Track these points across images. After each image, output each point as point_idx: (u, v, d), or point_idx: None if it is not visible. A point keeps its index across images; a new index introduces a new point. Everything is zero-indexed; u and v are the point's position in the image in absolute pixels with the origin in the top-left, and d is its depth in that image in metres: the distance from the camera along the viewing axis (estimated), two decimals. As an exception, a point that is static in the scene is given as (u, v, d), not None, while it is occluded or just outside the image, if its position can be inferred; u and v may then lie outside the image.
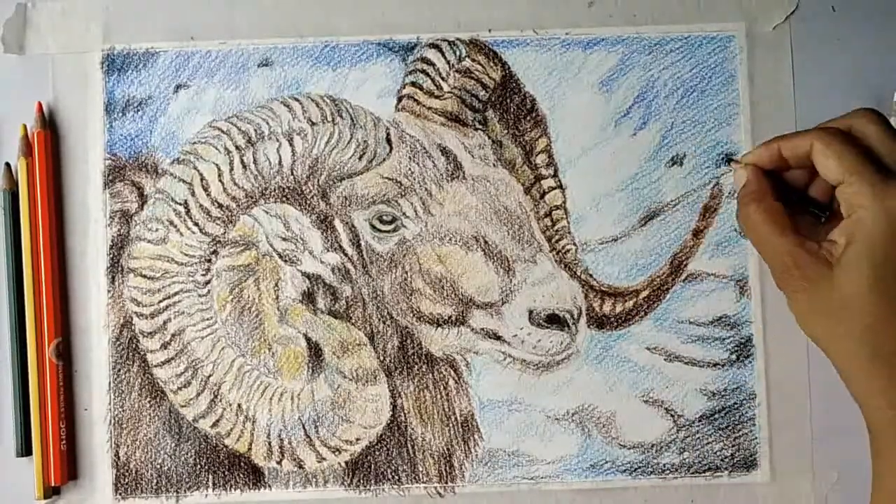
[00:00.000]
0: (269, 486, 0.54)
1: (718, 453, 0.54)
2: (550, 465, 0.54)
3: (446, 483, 0.54)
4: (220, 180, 0.54)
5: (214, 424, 0.54)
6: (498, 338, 0.54)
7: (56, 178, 0.55)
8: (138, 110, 0.55)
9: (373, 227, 0.54)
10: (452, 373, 0.54)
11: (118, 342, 0.54)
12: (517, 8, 0.55)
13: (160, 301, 0.54)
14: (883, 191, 0.43)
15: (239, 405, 0.54)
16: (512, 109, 0.55)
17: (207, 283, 0.54)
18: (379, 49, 0.55)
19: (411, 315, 0.54)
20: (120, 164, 0.55)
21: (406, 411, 0.54)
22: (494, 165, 0.55)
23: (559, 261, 0.54)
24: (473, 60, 0.55)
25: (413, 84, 0.55)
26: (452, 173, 0.54)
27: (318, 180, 0.54)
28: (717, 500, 0.54)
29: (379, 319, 0.54)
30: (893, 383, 0.43)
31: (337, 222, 0.54)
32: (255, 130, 0.54)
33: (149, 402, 0.54)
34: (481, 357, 0.54)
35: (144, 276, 0.54)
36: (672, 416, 0.54)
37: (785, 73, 0.55)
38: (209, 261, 0.54)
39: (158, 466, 0.54)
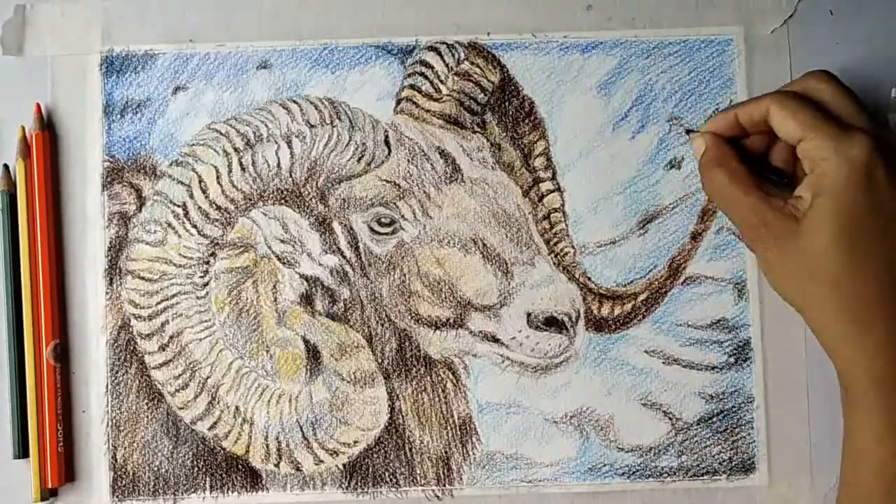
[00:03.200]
0: (267, 488, 0.54)
1: (717, 456, 0.54)
2: (549, 468, 0.54)
3: (444, 486, 0.54)
4: (219, 182, 0.54)
5: (212, 426, 0.54)
6: (496, 340, 0.54)
7: (54, 180, 0.55)
8: (137, 112, 0.55)
9: (371, 229, 0.54)
10: (451, 375, 0.54)
11: (116, 344, 0.54)
12: (516, 11, 0.56)
13: (158, 303, 0.54)
14: (843, 142, 0.43)
15: (237, 407, 0.54)
16: (510, 112, 0.55)
17: (206, 285, 0.54)
18: (378, 52, 0.55)
19: (409, 317, 0.54)
20: (118, 166, 0.55)
21: (404, 414, 0.54)
22: (493, 168, 0.55)
23: (557, 263, 0.54)
24: (472, 63, 0.55)
25: (412, 87, 0.55)
26: (451, 176, 0.54)
27: (317, 182, 0.54)
28: (715, 503, 0.54)
29: (377, 322, 0.54)
30: (864, 333, 0.43)
31: (335, 225, 0.54)
32: (254, 133, 0.54)
33: (146, 403, 0.54)
34: (479, 360, 0.54)
35: (142, 278, 0.54)
36: (670, 419, 0.54)
37: (783, 76, 0.55)
38: (207, 263, 0.54)
39: (156, 468, 0.54)
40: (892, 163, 0.43)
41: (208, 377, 0.54)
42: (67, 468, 0.54)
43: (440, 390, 0.54)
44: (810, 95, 0.46)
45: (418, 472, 0.54)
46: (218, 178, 0.54)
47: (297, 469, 0.54)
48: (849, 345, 0.44)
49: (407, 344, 0.54)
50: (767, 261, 0.46)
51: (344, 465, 0.54)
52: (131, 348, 0.54)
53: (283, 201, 0.54)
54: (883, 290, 0.43)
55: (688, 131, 0.51)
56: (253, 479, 0.54)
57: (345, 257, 0.54)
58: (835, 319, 0.44)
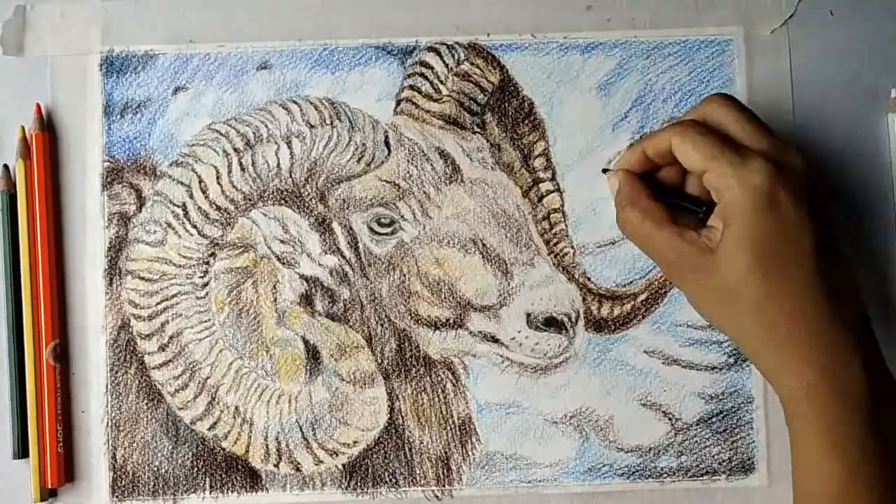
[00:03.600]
0: (267, 488, 0.54)
1: (716, 457, 0.54)
2: (548, 469, 0.54)
3: (444, 486, 0.54)
4: (219, 183, 0.54)
5: (212, 427, 0.54)
6: (496, 341, 0.54)
7: (54, 180, 0.55)
8: (137, 112, 0.55)
9: (371, 229, 0.54)
10: (450, 376, 0.54)
11: (116, 344, 0.54)
12: (516, 12, 0.56)
13: (158, 303, 0.54)
14: (743, 170, 0.43)
15: (236, 407, 0.54)
16: (510, 113, 0.55)
17: (205, 285, 0.54)
18: (378, 52, 0.55)
19: (409, 318, 0.54)
20: (118, 167, 0.55)
21: (404, 414, 0.54)
22: (492, 169, 0.55)
23: (557, 264, 0.55)
24: (472, 64, 0.55)
25: (412, 87, 0.55)
26: (451, 176, 0.54)
27: (317, 183, 0.54)
28: (714, 503, 0.54)
29: (377, 322, 0.54)
30: (791, 352, 0.44)
31: (335, 225, 0.54)
32: (254, 133, 0.54)
33: (146, 404, 0.54)
34: (479, 360, 0.54)
35: (142, 279, 0.54)
36: (670, 419, 0.54)
37: (782, 77, 0.55)
38: (207, 263, 0.54)
39: (156, 469, 0.54)
40: (793, 182, 0.43)
41: (208, 377, 0.54)
42: (67, 468, 0.54)
43: (440, 391, 0.54)
44: (711, 122, 0.46)
45: (418, 472, 0.54)
46: (218, 178, 0.54)
47: (297, 469, 0.54)
48: (779, 365, 0.44)
49: (406, 344, 0.54)
50: (690, 293, 0.47)
51: (343, 466, 0.54)
52: (131, 348, 0.54)
53: (282, 202, 0.54)
54: (803, 307, 0.43)
55: (604, 170, 0.51)
56: (252, 480, 0.54)
57: (344, 258, 0.54)
58: (764, 345, 0.44)
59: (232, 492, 0.54)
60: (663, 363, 0.54)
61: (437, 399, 0.54)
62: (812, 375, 0.43)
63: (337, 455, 0.54)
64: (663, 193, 0.48)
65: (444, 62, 0.55)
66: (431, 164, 0.54)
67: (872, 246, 0.55)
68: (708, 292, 0.45)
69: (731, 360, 0.54)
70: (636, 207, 0.47)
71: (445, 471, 0.54)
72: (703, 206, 0.47)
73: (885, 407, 0.44)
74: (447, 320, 0.54)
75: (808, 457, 0.45)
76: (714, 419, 0.54)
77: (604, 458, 0.54)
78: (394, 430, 0.54)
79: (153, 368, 0.54)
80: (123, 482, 0.54)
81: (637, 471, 0.54)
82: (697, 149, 0.44)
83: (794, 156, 0.45)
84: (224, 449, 0.54)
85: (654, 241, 0.46)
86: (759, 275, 0.43)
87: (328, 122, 0.54)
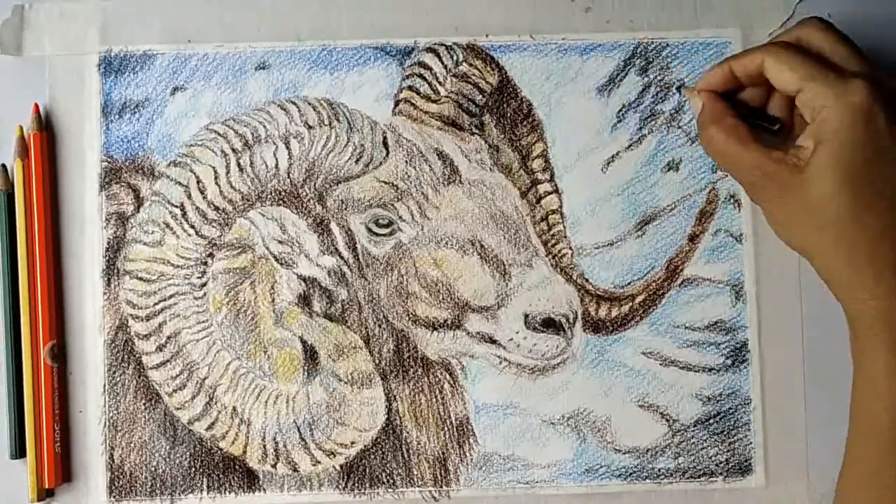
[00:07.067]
0: (264, 489, 0.54)
1: (713, 458, 0.54)
2: (545, 470, 0.54)
3: (441, 487, 0.54)
4: (217, 183, 0.54)
5: (209, 427, 0.54)
6: (493, 342, 0.54)
7: (52, 180, 0.55)
8: (135, 112, 0.55)
9: (369, 230, 0.54)
10: (448, 376, 0.54)
11: (113, 344, 0.54)
12: (514, 13, 0.56)
13: (156, 303, 0.54)
14: (842, 88, 0.44)
15: (234, 408, 0.54)
16: (508, 114, 0.55)
17: (203, 285, 0.54)
18: (376, 53, 0.55)
19: (407, 318, 0.54)
20: (116, 167, 0.55)
21: (401, 415, 0.54)
22: (491, 170, 0.55)
23: (555, 265, 0.55)
24: (470, 65, 0.55)
25: (410, 88, 0.55)
26: (449, 177, 0.54)
27: (315, 184, 0.54)
28: (711, 505, 0.54)
29: (374, 323, 0.54)
30: (873, 275, 0.44)
31: (333, 226, 0.54)
32: (252, 133, 0.54)
33: (144, 404, 0.54)
34: (477, 361, 0.54)
35: (140, 279, 0.54)
36: (667, 420, 0.54)
37: (781, 79, 0.55)
38: (205, 263, 0.54)
39: (153, 469, 0.54)
40: (891, 106, 0.44)
41: (206, 378, 0.54)
42: (64, 468, 0.54)
43: (437, 391, 0.54)
44: (805, 44, 0.46)
45: (415, 473, 0.54)
46: (216, 178, 0.54)
47: (294, 470, 0.54)
48: (858, 287, 0.45)
49: (404, 345, 0.54)
50: (772, 212, 0.47)
51: (341, 466, 0.54)
52: (129, 349, 0.54)
53: (281, 202, 0.54)
54: (888, 231, 0.44)
55: (679, 87, 0.51)
56: (250, 480, 0.54)
57: (342, 258, 0.54)
58: (843, 263, 0.45)
59: (229, 492, 0.54)
60: (661, 364, 0.55)
61: (434, 400, 0.54)
62: (891, 299, 0.44)
63: (334, 455, 0.54)
64: (743, 114, 0.48)
65: (442, 63, 0.55)
66: (430, 165, 0.54)
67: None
68: (791, 210, 0.46)
69: (729, 362, 0.54)
70: (721, 126, 0.47)
71: (443, 471, 0.54)
72: (779, 125, 0.47)
73: None
74: (445, 321, 0.54)
75: (875, 374, 0.45)
76: (711, 420, 0.54)
77: (601, 459, 0.54)
78: (391, 431, 0.54)
79: (151, 368, 0.54)
80: (121, 482, 0.54)
81: (634, 472, 0.54)
82: (793, 68, 0.45)
83: (891, 79, 0.45)
84: (221, 449, 0.54)
85: (740, 160, 0.46)
86: (848, 193, 0.44)
87: (326, 122, 0.54)
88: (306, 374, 0.54)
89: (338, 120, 0.54)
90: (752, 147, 0.46)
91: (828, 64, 0.45)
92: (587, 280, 0.55)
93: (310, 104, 0.55)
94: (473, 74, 0.55)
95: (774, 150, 0.46)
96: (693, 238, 0.55)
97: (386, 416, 0.54)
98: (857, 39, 0.46)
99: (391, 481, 0.54)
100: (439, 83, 0.55)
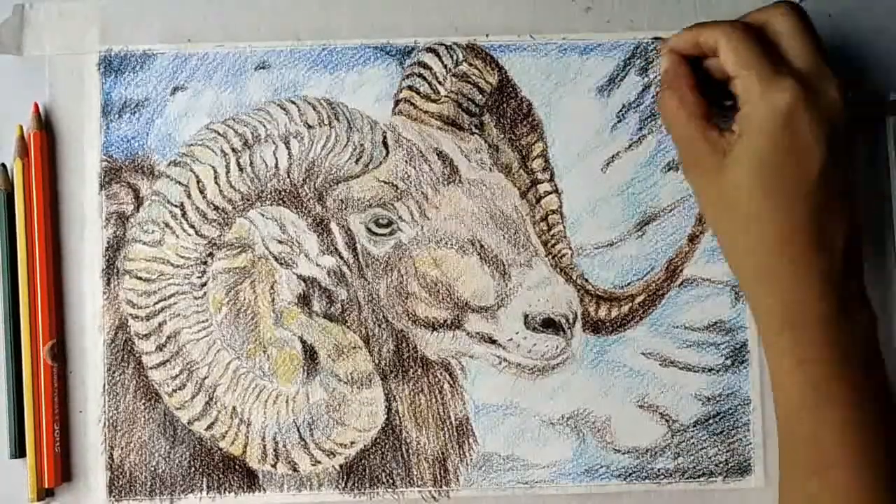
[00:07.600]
0: (264, 489, 0.54)
1: (713, 458, 0.54)
2: (545, 470, 0.54)
3: (441, 487, 0.54)
4: (217, 183, 0.54)
5: (209, 427, 0.54)
6: (493, 342, 0.54)
7: (52, 180, 0.55)
8: (135, 112, 0.55)
9: (369, 230, 0.54)
10: (447, 376, 0.54)
11: (113, 344, 0.54)
12: (514, 13, 0.56)
13: (156, 303, 0.54)
14: (770, 85, 0.44)
15: (234, 408, 0.54)
16: (508, 114, 0.55)
17: (203, 285, 0.54)
18: (376, 53, 0.55)
19: (407, 318, 0.54)
20: (116, 166, 0.55)
21: (401, 415, 0.54)
22: (490, 170, 0.55)
23: (555, 265, 0.54)
24: (470, 65, 0.55)
25: (410, 88, 0.55)
26: (449, 177, 0.54)
27: (315, 183, 0.54)
28: (711, 505, 0.54)
29: (374, 323, 0.54)
30: (776, 269, 0.44)
31: (333, 225, 0.54)
32: (252, 133, 0.54)
33: (143, 404, 0.54)
34: (476, 361, 0.54)
35: (140, 278, 0.54)
36: (667, 421, 0.54)
37: (781, 79, 0.55)
38: (205, 263, 0.54)
39: (153, 469, 0.54)
40: (818, 109, 0.44)
41: (206, 377, 0.54)
42: (64, 468, 0.54)
43: (437, 391, 0.54)
44: (765, 28, 0.46)
45: (415, 473, 0.54)
46: (216, 178, 0.54)
47: (294, 470, 0.54)
48: (761, 281, 0.45)
49: (404, 345, 0.54)
50: (697, 193, 0.48)
51: (341, 466, 0.54)
52: (128, 348, 0.54)
53: (280, 202, 0.54)
54: (796, 230, 0.44)
55: (654, 39, 0.52)
56: (250, 480, 0.54)
57: (342, 258, 0.54)
58: (749, 252, 0.45)
59: (229, 492, 0.54)
60: (661, 365, 0.55)
61: (434, 400, 0.54)
62: (791, 296, 0.44)
63: (334, 455, 0.54)
64: (703, 83, 0.48)
65: (442, 63, 0.55)
66: (429, 165, 0.54)
67: (871, 246, 0.55)
68: (711, 194, 0.46)
69: (729, 362, 0.54)
70: (675, 93, 0.47)
71: (442, 472, 0.54)
72: (731, 102, 0.47)
73: (853, 335, 0.44)
74: (445, 321, 0.54)
75: (776, 370, 0.46)
76: (711, 421, 0.54)
77: (601, 460, 0.54)
78: (391, 431, 0.54)
79: (151, 368, 0.54)
80: (120, 482, 0.54)
81: (634, 472, 0.54)
82: (737, 52, 0.45)
83: (830, 86, 0.45)
84: (221, 449, 0.54)
85: (679, 131, 0.47)
86: (761, 186, 0.44)
87: (326, 122, 0.54)
88: (306, 374, 0.54)
89: (338, 120, 0.54)
90: (694, 121, 0.46)
91: (774, 55, 0.45)
92: (587, 280, 0.55)
93: (310, 104, 0.55)
94: (473, 74, 0.55)
95: (711, 130, 0.46)
96: (693, 238, 0.55)
97: (385, 416, 0.54)
98: (858, 39, 0.46)
99: (391, 481, 0.54)
100: (439, 83, 0.55)
